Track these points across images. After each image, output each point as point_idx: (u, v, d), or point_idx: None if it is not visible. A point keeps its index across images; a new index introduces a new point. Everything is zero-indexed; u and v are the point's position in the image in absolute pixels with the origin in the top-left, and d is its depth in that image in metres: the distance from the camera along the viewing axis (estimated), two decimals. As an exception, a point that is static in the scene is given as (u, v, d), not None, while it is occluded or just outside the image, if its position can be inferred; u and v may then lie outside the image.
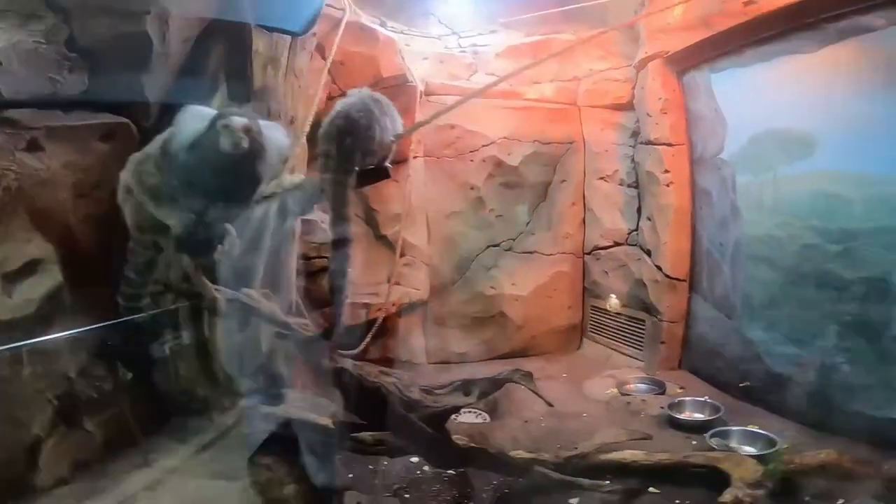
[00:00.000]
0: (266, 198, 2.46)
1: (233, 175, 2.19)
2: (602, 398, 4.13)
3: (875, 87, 3.13)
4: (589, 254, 5.13)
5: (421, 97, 4.66)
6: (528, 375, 2.70)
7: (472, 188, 4.85)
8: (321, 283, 3.04)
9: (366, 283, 4.50)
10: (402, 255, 4.68)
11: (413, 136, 4.49)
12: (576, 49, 4.76)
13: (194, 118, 2.17)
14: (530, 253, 5.01)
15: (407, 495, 2.88)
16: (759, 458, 2.77)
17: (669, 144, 4.34)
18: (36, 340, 2.15)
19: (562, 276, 5.08)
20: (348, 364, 2.60)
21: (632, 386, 4.28)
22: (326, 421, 2.21)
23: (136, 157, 2.28)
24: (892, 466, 2.60)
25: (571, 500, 2.69)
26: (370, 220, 4.65)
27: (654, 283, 4.50)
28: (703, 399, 3.82)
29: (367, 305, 4.30)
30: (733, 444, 3.21)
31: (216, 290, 2.29)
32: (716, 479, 2.62)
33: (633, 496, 2.71)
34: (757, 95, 3.83)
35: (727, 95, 4.06)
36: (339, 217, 2.42)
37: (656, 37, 4.32)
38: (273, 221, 2.51)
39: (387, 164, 2.63)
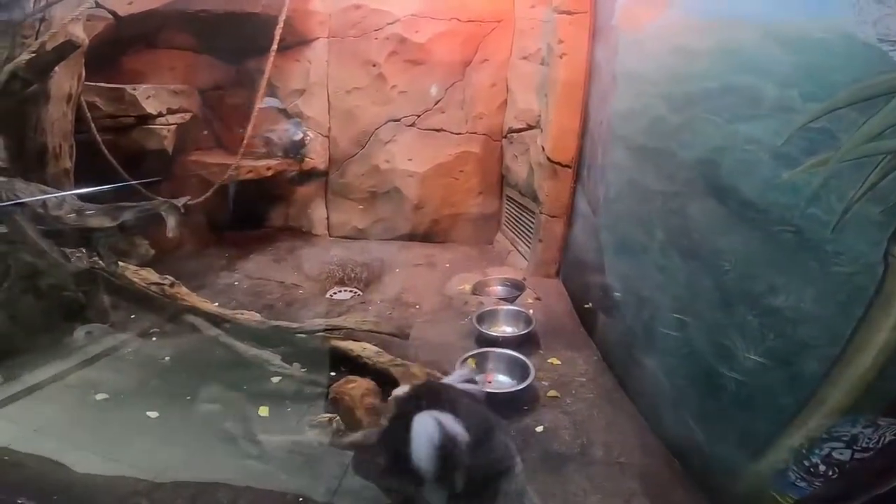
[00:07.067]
0: None
1: None
2: (452, 294, 3.73)
3: None
4: (505, 137, 4.50)
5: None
6: (174, 208, 2.49)
7: (373, 65, 4.50)
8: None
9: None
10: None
11: (314, 16, 4.44)
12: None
13: None
14: (437, 130, 4.54)
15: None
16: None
17: (568, 13, 3.54)
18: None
19: (468, 157, 4.54)
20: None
21: (493, 288, 3.81)
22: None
23: None
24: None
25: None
26: (272, 95, 4.61)
27: (538, 168, 3.83)
28: (523, 311, 3.28)
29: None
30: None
31: None
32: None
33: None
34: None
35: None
36: None
37: None
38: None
39: None
